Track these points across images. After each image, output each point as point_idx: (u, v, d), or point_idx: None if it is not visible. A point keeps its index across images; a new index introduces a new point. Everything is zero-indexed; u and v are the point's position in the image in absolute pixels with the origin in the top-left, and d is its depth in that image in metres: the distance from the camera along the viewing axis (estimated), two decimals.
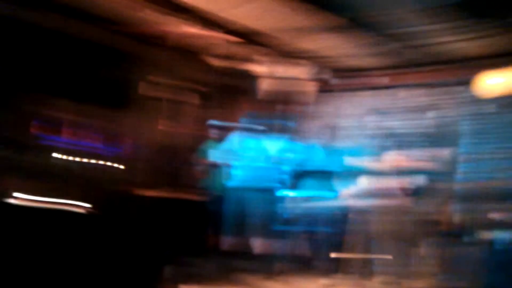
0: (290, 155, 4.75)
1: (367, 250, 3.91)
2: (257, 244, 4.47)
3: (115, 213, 4.89)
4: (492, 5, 3.77)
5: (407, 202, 3.84)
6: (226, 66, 5.93)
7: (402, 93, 5.61)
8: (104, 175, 5.26)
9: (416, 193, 3.97)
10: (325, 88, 6.22)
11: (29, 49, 4.53)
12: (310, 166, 4.62)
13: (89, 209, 4.44)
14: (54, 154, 4.94)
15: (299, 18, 4.33)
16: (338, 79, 6.10)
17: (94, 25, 4.79)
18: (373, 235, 3.78)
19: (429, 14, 4.00)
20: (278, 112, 6.68)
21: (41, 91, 5.35)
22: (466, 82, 4.98)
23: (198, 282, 3.98)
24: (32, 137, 5.06)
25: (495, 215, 4.03)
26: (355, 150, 4.70)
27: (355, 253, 3.91)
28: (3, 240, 3.53)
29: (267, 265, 4.49)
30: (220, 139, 5.04)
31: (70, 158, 5.13)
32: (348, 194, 4.51)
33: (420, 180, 3.88)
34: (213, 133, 5.23)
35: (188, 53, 5.67)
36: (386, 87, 5.75)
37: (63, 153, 5.14)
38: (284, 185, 4.73)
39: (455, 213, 4.45)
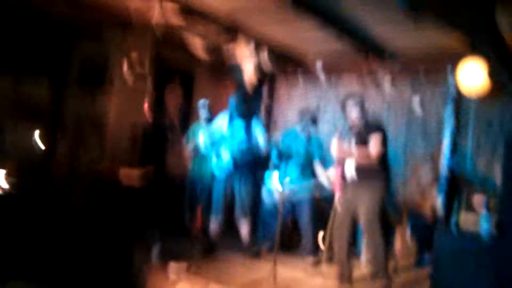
0: (273, 139, 4.79)
1: (351, 232, 4.00)
2: (244, 226, 4.52)
3: (98, 194, 4.84)
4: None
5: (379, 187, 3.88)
6: (209, 47, 5.88)
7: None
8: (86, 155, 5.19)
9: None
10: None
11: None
12: (291, 151, 4.67)
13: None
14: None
15: None
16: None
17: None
18: (357, 217, 3.87)
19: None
20: (261, 95, 6.75)
21: (14, 71, 5.21)
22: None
23: (186, 261, 4.00)
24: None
25: (477, 203, 4.22)
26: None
27: (340, 235, 4.00)
28: None
29: (253, 246, 4.58)
30: (207, 120, 5.02)
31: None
32: (328, 178, 4.63)
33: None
34: (200, 113, 5.21)
35: (169, 33, 5.60)
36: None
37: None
38: (269, 168, 4.78)
39: (438, 200, 4.65)
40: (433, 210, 4.63)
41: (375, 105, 5.45)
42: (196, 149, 5.01)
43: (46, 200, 4.50)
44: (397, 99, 5.54)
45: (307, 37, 5.27)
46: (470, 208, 4.26)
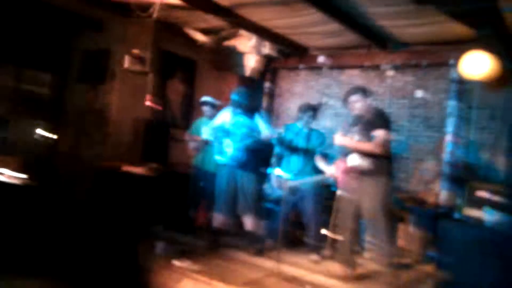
0: (275, 133, 4.75)
1: (355, 227, 3.97)
2: (248, 221, 4.49)
3: (103, 189, 4.83)
4: None
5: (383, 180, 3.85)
6: (212, 41, 5.85)
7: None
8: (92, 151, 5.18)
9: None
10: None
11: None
12: (294, 145, 4.64)
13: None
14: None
15: None
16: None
17: None
18: (361, 212, 3.84)
19: None
20: (263, 89, 6.72)
21: (15, 63, 5.20)
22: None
23: (190, 258, 3.99)
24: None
25: (481, 194, 4.18)
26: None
27: (344, 230, 3.98)
28: None
29: (257, 242, 4.55)
30: (211, 116, 4.99)
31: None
32: (333, 172, 4.60)
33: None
34: (204, 109, 5.18)
35: (174, 26, 5.58)
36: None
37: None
38: (273, 163, 4.76)
39: (442, 192, 4.62)
40: (437, 202, 4.60)
41: (378, 98, 5.42)
42: (199, 144, 4.99)
43: (51, 195, 4.50)
44: (400, 91, 5.51)
45: (310, 30, 5.24)
46: (473, 204, 4.21)
